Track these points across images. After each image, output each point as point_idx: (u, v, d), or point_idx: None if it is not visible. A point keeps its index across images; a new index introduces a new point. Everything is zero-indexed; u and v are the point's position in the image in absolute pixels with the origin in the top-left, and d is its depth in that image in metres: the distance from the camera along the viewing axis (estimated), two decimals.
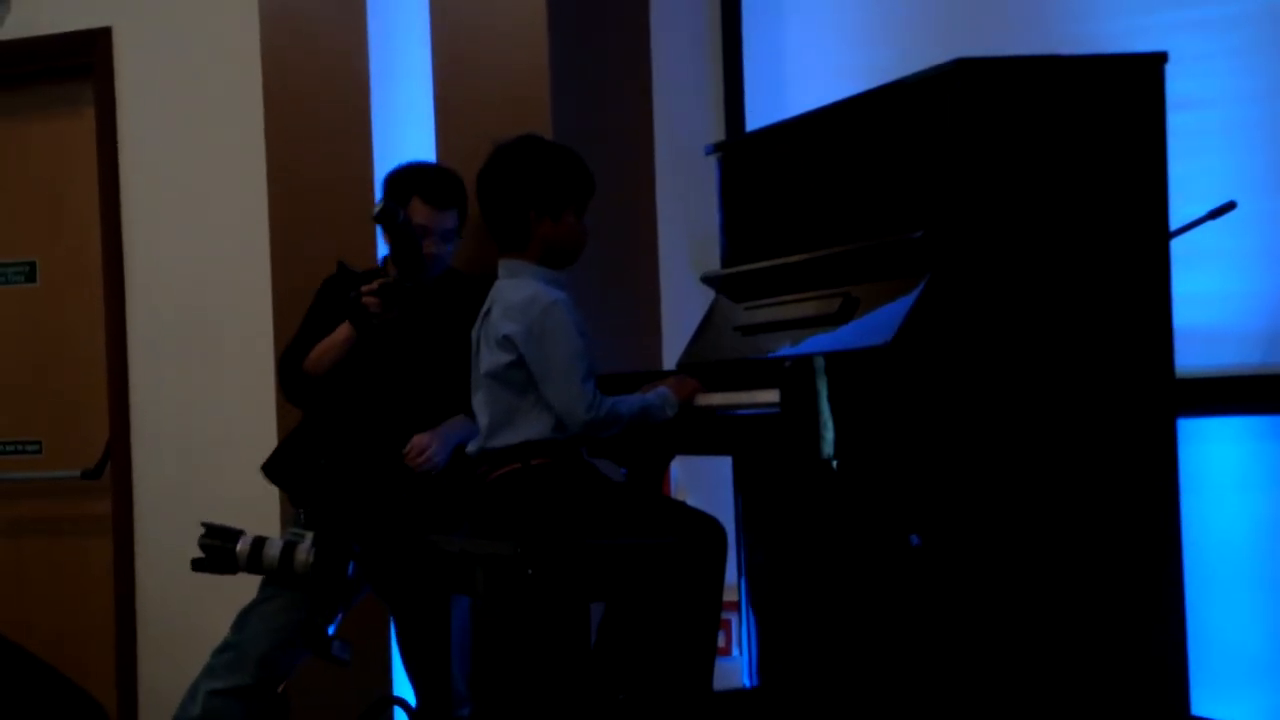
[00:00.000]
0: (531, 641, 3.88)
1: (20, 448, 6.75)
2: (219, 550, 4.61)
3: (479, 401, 4.27)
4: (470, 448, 4.29)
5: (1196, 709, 4.07)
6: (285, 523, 5.33)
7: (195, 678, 5.01)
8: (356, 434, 4.90)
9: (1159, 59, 3.98)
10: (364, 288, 4.79)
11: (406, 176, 5.02)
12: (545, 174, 4.24)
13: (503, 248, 4.29)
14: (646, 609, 4.10)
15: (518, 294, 4.20)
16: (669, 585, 4.02)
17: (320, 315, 5.04)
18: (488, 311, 4.28)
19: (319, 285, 5.22)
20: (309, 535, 4.61)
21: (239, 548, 4.60)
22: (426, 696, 4.20)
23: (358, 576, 4.71)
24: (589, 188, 4.29)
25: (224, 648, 4.97)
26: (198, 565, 4.64)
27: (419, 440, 4.79)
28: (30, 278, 6.73)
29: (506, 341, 4.16)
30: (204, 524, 4.66)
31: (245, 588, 5.10)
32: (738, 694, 4.69)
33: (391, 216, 4.66)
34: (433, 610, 4.18)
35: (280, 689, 5.66)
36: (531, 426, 4.16)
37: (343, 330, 4.86)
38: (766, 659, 4.64)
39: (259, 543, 4.60)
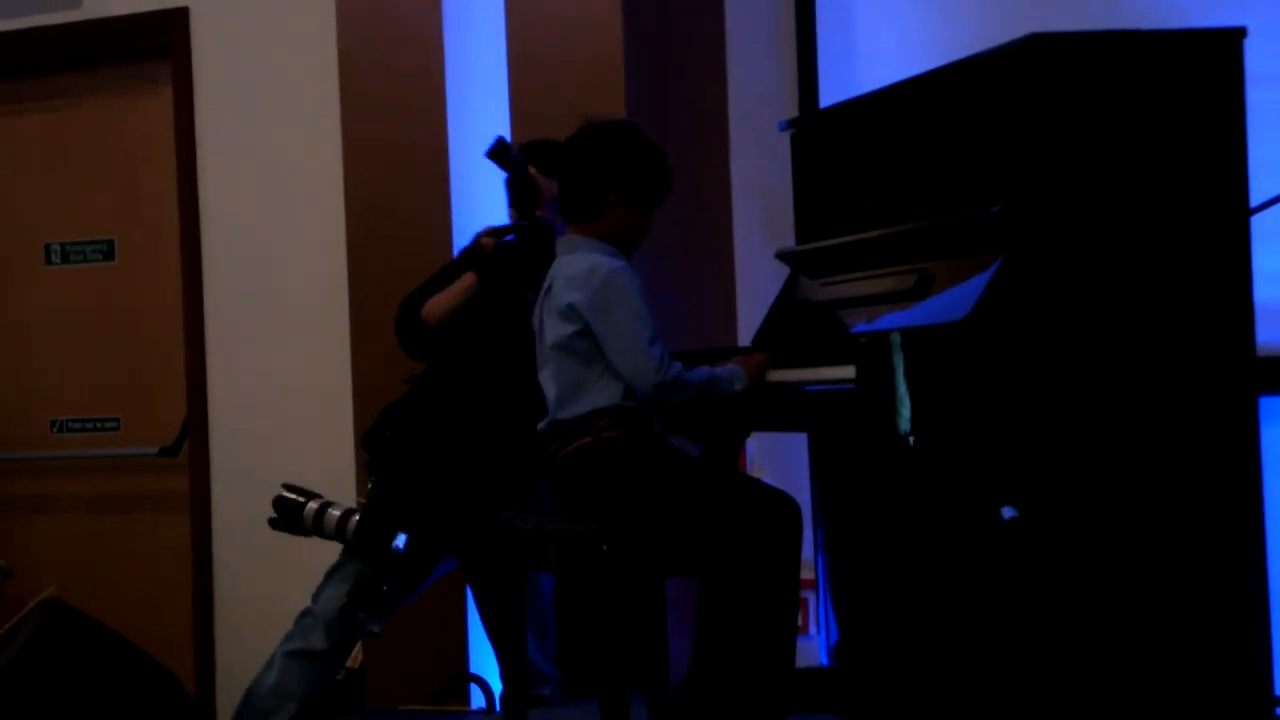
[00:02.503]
0: (608, 617, 3.88)
1: (99, 425, 6.80)
2: (290, 509, 4.70)
3: (546, 376, 4.28)
4: (540, 425, 4.30)
5: None
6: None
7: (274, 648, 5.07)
8: (450, 409, 4.90)
9: (1238, 34, 3.94)
10: (484, 230, 4.79)
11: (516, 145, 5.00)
12: (638, 164, 4.27)
13: (569, 216, 4.30)
14: (726, 587, 4.10)
15: (578, 265, 4.22)
16: (745, 562, 4.02)
17: (453, 265, 5.00)
18: (549, 288, 4.29)
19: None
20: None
21: (307, 508, 4.68)
22: (505, 674, 4.22)
23: (416, 552, 4.74)
24: (667, 193, 4.32)
25: (303, 614, 5.02)
26: (273, 523, 4.73)
27: None
28: (109, 256, 6.77)
29: (571, 311, 4.17)
30: (284, 484, 4.75)
31: (320, 562, 5.14)
32: (816, 672, 4.68)
33: (504, 151, 4.66)
34: (509, 588, 4.19)
35: (357, 664, 5.71)
36: (601, 395, 4.17)
37: (466, 278, 4.82)
38: (844, 638, 4.63)
39: (325, 506, 4.68)
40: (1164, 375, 3.85)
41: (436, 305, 4.83)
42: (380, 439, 4.87)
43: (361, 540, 4.73)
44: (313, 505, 4.79)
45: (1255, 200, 4.06)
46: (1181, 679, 3.85)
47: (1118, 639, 3.81)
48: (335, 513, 4.78)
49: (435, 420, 4.87)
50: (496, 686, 5.34)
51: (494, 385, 4.83)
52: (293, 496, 4.84)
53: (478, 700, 5.49)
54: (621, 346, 4.13)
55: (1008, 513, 3.79)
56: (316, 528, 4.78)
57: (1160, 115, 3.89)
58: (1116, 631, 3.81)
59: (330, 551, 5.05)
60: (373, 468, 4.87)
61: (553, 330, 4.24)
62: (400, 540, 4.69)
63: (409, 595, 4.96)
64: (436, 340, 4.85)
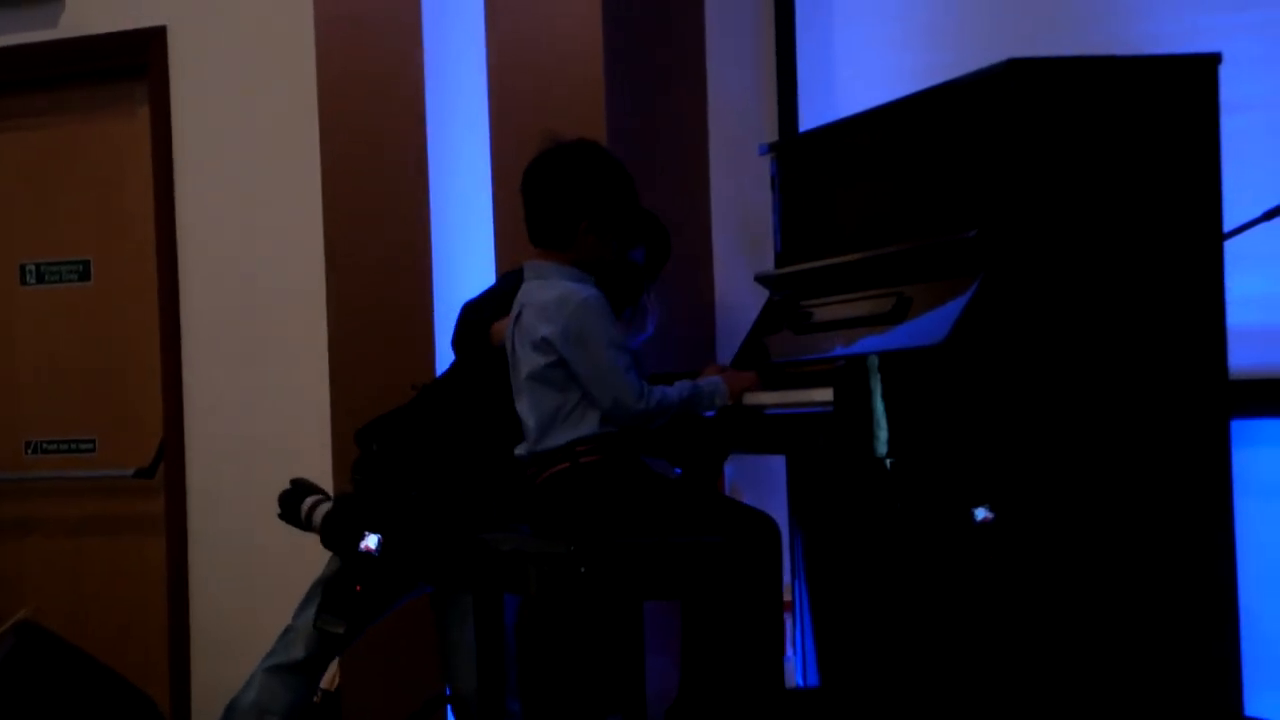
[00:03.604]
0: (586, 640, 3.88)
1: (74, 446, 6.79)
2: (292, 503, 4.76)
3: (524, 407, 4.27)
4: (519, 450, 4.31)
5: (1250, 710, 4.06)
6: None
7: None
8: (457, 430, 4.90)
9: (1213, 60, 3.97)
10: None
11: None
12: (609, 193, 4.24)
13: (538, 242, 4.29)
14: (710, 609, 4.11)
15: (547, 294, 4.20)
16: (725, 583, 4.02)
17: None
18: (519, 315, 4.27)
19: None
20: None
21: (305, 503, 4.73)
22: (481, 696, 4.22)
23: (389, 555, 4.76)
24: (639, 232, 4.33)
25: (284, 631, 5.04)
26: (281, 516, 4.80)
27: None
28: (84, 277, 6.76)
29: (544, 343, 4.16)
30: (293, 479, 4.79)
31: (298, 586, 5.14)
32: (798, 693, 4.69)
33: None
34: (486, 610, 4.19)
35: (334, 687, 5.70)
36: (581, 424, 4.17)
37: None
38: (825, 658, 4.64)
39: (317, 503, 4.72)
40: (1138, 398, 3.87)
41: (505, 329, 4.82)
42: (367, 450, 4.89)
43: (328, 532, 4.77)
44: (310, 500, 4.83)
45: (1229, 225, 4.09)
46: (1152, 700, 3.87)
47: (1093, 661, 3.83)
48: (324, 508, 4.81)
49: (435, 436, 4.88)
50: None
51: (501, 419, 4.84)
52: (296, 491, 4.89)
53: None
54: (599, 378, 4.13)
55: (980, 514, 3.80)
56: (308, 522, 4.82)
57: (1136, 140, 3.91)
58: (1091, 654, 3.83)
59: (309, 574, 5.06)
60: (356, 470, 4.89)
61: (526, 361, 4.23)
62: (372, 541, 4.72)
63: (379, 613, 4.97)
64: (495, 359, 4.79)
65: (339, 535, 4.76)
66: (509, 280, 4.83)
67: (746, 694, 4.06)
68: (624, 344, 4.17)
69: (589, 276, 4.26)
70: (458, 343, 4.96)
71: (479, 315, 4.88)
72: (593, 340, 4.13)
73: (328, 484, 5.48)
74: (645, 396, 4.12)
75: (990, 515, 3.79)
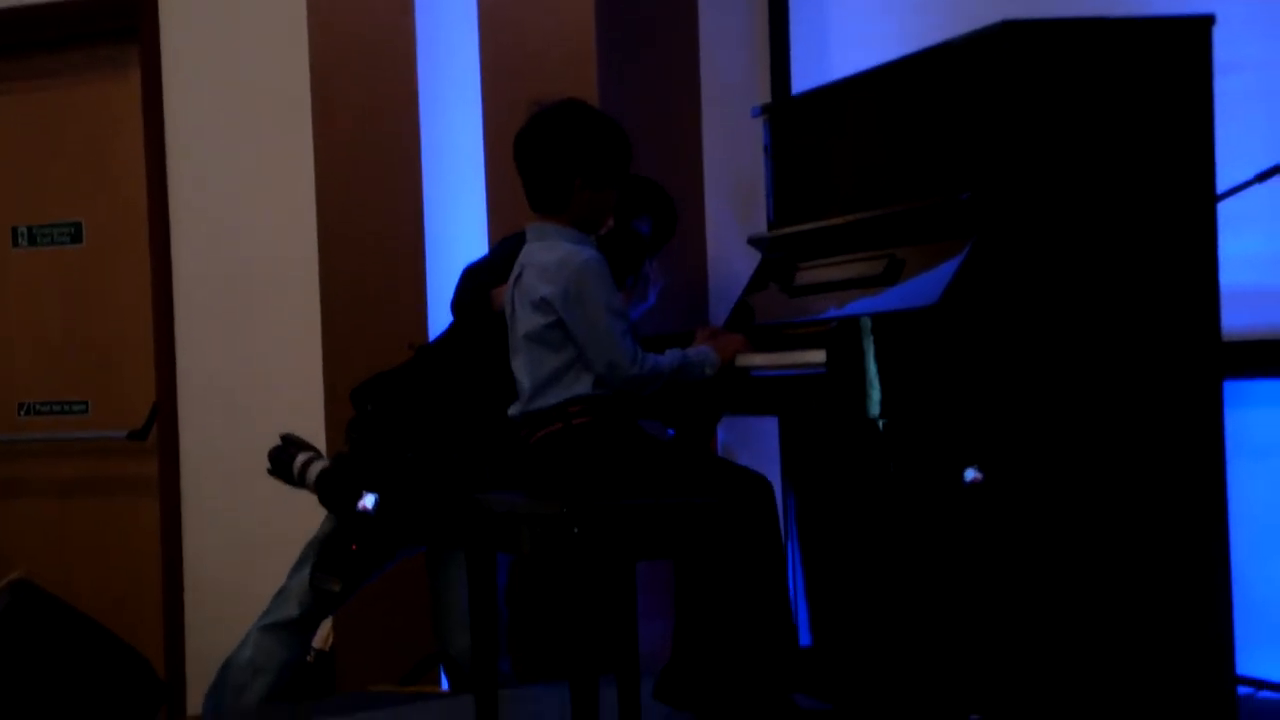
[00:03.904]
0: (579, 600, 3.90)
1: (67, 408, 6.79)
2: (283, 459, 4.78)
3: (519, 365, 4.28)
4: (512, 410, 4.31)
5: (1241, 669, 4.08)
6: None
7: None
8: (450, 394, 4.91)
9: (1206, 21, 3.97)
10: None
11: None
12: (598, 146, 4.24)
13: (536, 207, 4.29)
14: (707, 569, 4.13)
15: (549, 256, 4.20)
16: (720, 543, 4.04)
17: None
18: (519, 275, 4.28)
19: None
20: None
21: (297, 460, 4.75)
22: (476, 655, 4.24)
23: (385, 515, 4.77)
24: (630, 164, 4.31)
25: (279, 591, 5.07)
26: (271, 472, 4.82)
27: None
28: (76, 239, 6.76)
29: (544, 304, 4.16)
30: (282, 435, 4.81)
31: (291, 547, 5.15)
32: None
33: None
34: (480, 570, 4.21)
35: (328, 647, 5.72)
36: (574, 384, 4.18)
37: None
38: (817, 618, 4.65)
39: (311, 460, 4.74)
40: (1131, 359, 3.88)
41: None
42: (363, 410, 4.90)
43: (325, 491, 4.79)
44: (302, 457, 4.85)
45: (1222, 187, 4.09)
46: (1144, 662, 3.88)
47: (1083, 622, 3.84)
48: (319, 465, 4.83)
49: (432, 399, 4.89)
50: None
51: (497, 383, 4.85)
52: (287, 447, 4.91)
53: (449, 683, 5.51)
54: (596, 341, 4.13)
55: (970, 474, 3.82)
56: (301, 479, 4.85)
57: (1129, 102, 3.91)
58: (1082, 614, 3.84)
59: (302, 535, 5.07)
60: (351, 429, 4.90)
61: (525, 320, 4.23)
62: (369, 500, 4.74)
63: (374, 571, 4.99)
64: (494, 324, 4.79)
65: (336, 494, 4.79)
66: (511, 244, 4.82)
67: (752, 652, 4.08)
68: (623, 310, 4.17)
69: (590, 239, 4.26)
70: (457, 306, 4.97)
71: (480, 279, 4.89)
72: (591, 302, 4.13)
73: (321, 446, 5.48)
74: (639, 362, 4.13)
75: (980, 476, 3.80)
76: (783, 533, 4.26)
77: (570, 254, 4.17)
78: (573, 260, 4.15)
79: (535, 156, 4.25)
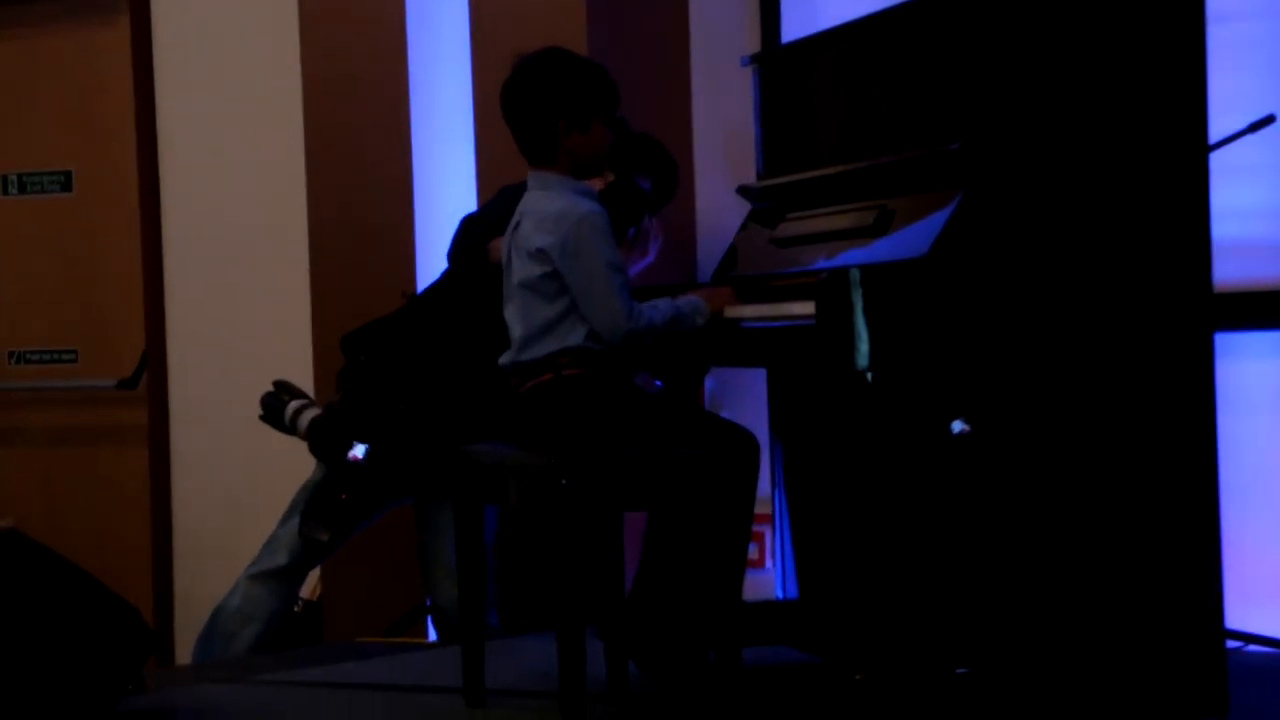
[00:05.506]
0: (566, 551, 3.89)
1: (56, 356, 6.78)
2: (274, 405, 4.80)
3: (511, 312, 4.27)
4: (503, 359, 4.30)
5: (1230, 624, 4.08)
6: None
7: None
8: (441, 345, 4.90)
9: None
10: None
11: None
12: (573, 86, 4.22)
13: (531, 160, 4.28)
14: (680, 520, 4.13)
15: (550, 206, 4.19)
16: (702, 496, 4.04)
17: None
18: (518, 224, 4.26)
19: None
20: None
21: (289, 407, 4.76)
22: (462, 606, 4.25)
23: (375, 465, 4.78)
24: (615, 97, 4.28)
25: (268, 540, 5.09)
26: (262, 418, 4.82)
27: None
28: (66, 187, 6.74)
29: (541, 254, 4.15)
30: (275, 381, 4.81)
31: (280, 496, 5.15)
32: (772, 605, 4.71)
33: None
34: (467, 521, 4.21)
35: (315, 597, 5.72)
36: (567, 335, 4.17)
37: None
38: (804, 570, 4.65)
39: (304, 408, 4.75)
40: (1121, 311, 3.86)
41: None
42: (354, 360, 4.90)
43: (316, 440, 4.80)
44: (294, 404, 4.85)
45: (1214, 137, 4.07)
46: (1133, 614, 3.88)
47: (1071, 575, 3.84)
48: (311, 413, 4.84)
49: (424, 349, 4.88)
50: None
51: (491, 335, 4.83)
52: (279, 393, 4.91)
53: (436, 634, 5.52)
54: (592, 295, 4.11)
55: (957, 426, 3.81)
56: (292, 427, 4.85)
57: (1121, 51, 3.89)
58: (1070, 567, 3.84)
59: (291, 485, 5.07)
60: (342, 378, 4.90)
61: (520, 269, 4.22)
62: (359, 450, 4.75)
63: (363, 521, 4.99)
64: (490, 276, 4.76)
65: (328, 444, 4.79)
66: (510, 194, 4.79)
67: (706, 600, 4.09)
68: (621, 265, 4.16)
69: (593, 191, 4.25)
70: (454, 255, 4.95)
71: (479, 230, 4.87)
72: (590, 256, 4.12)
73: (310, 394, 5.47)
74: (634, 316, 4.12)
75: (967, 428, 3.79)
76: (767, 484, 4.26)
77: (571, 205, 4.15)
78: (573, 212, 4.14)
79: (518, 105, 4.24)
